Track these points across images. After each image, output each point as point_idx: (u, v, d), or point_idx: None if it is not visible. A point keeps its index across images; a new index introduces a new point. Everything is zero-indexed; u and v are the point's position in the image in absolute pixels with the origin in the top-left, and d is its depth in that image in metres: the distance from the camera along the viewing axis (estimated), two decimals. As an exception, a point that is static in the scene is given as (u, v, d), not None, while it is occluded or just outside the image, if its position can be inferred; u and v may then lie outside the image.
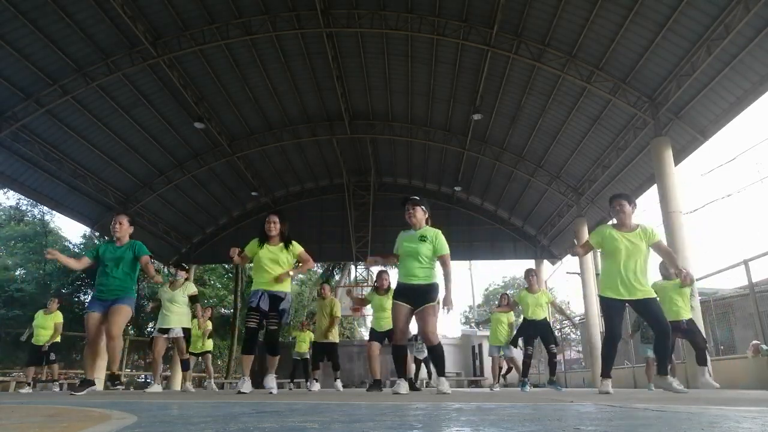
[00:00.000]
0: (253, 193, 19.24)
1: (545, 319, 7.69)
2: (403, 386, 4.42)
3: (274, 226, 5.06)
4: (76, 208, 15.98)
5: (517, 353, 8.96)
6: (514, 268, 64.69)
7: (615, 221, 4.89)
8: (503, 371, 10.84)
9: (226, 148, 16.11)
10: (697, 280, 9.64)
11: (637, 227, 4.70)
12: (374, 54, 13.68)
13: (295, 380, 12.37)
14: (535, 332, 7.65)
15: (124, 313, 4.90)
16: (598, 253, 5.35)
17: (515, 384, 15.45)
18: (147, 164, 15.84)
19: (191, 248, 20.19)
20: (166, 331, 7.26)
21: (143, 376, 21.20)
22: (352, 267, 22.76)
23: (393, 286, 7.21)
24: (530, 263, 20.18)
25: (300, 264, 5.23)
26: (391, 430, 1.31)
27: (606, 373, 4.78)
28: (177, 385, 16.94)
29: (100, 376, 14.22)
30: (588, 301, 15.59)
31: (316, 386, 8.01)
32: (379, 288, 7.23)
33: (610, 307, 4.67)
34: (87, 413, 2.04)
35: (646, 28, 10.15)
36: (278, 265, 4.98)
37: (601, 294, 4.73)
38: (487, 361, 9.93)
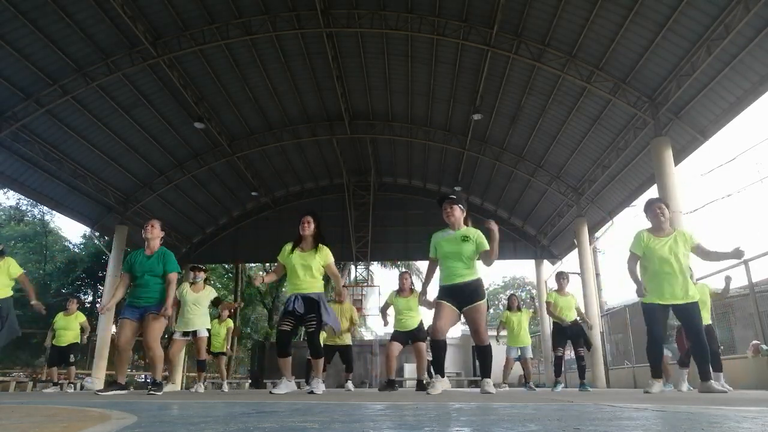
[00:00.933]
0: (253, 193, 19.24)
1: (576, 321, 7.63)
2: (439, 385, 4.28)
3: (308, 226, 5.00)
4: (76, 208, 15.98)
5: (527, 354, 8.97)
6: (514, 268, 64.73)
7: (651, 226, 4.81)
8: (513, 374, 10.81)
9: (226, 148, 16.12)
10: (697, 280, 9.65)
11: (674, 231, 4.73)
12: (374, 54, 13.68)
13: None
14: (570, 335, 7.57)
15: (158, 323, 4.89)
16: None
17: (516, 384, 15.47)
18: (147, 164, 15.84)
19: (191, 248, 20.19)
20: (190, 333, 7.22)
21: (143, 376, 21.19)
22: (352, 267, 22.74)
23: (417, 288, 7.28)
24: (530, 263, 20.19)
25: (335, 287, 5.20)
26: (391, 430, 1.31)
27: (655, 374, 4.77)
28: (178, 385, 16.94)
29: (99, 376, 14.21)
30: (588, 301, 15.57)
31: (321, 387, 8.06)
32: (402, 290, 7.22)
33: (655, 312, 4.63)
34: (87, 413, 2.04)
35: (646, 28, 10.14)
36: (309, 270, 4.90)
37: (646, 301, 4.67)
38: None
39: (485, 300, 4.46)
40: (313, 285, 4.94)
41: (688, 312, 4.58)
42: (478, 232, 4.55)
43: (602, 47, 11.13)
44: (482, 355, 4.45)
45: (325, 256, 4.99)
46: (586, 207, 16.23)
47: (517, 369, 11.24)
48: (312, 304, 4.86)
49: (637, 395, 4.49)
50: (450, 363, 18.79)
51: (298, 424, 1.45)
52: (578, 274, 16.55)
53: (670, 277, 4.57)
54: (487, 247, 4.39)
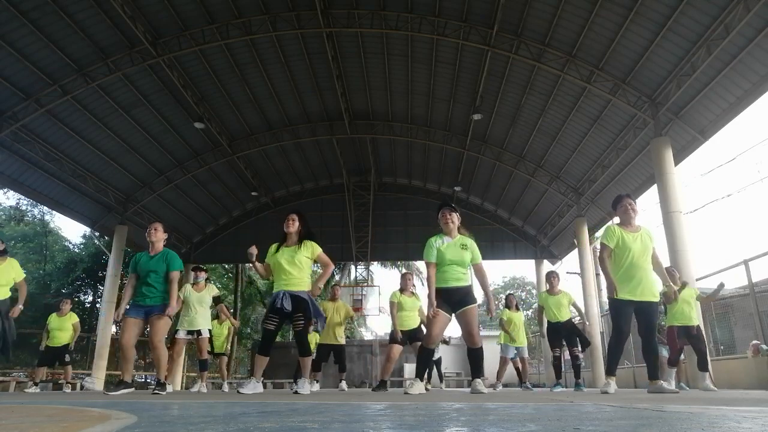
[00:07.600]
0: (253, 193, 19.25)
1: (570, 320, 7.58)
2: (417, 386, 4.47)
3: (293, 224, 5.02)
4: (76, 208, 15.98)
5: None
6: (515, 268, 64.71)
7: (620, 221, 4.86)
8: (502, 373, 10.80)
9: (226, 148, 16.12)
10: (697, 280, 9.66)
11: (640, 228, 4.74)
12: (374, 54, 13.68)
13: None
14: (563, 334, 7.54)
15: (162, 323, 5.03)
16: (594, 252, 5.37)
17: (515, 384, 15.45)
18: (147, 164, 15.84)
19: (191, 248, 20.19)
20: (193, 332, 7.29)
21: (143, 376, 21.20)
22: (352, 267, 22.75)
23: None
24: (530, 263, 20.19)
25: (321, 273, 5.17)
26: (391, 430, 1.31)
27: (611, 371, 4.79)
28: (177, 385, 16.94)
29: (99, 376, 14.15)
30: (588, 301, 15.58)
31: (316, 387, 8.08)
32: (404, 290, 7.32)
33: (625, 308, 4.62)
34: (87, 413, 2.04)
35: (646, 28, 10.14)
36: (295, 265, 4.88)
37: (617, 297, 4.61)
38: (487, 361, 9.96)
39: (476, 304, 4.65)
40: (301, 281, 4.90)
41: (650, 310, 4.59)
42: (472, 241, 4.72)
43: (602, 47, 11.13)
44: (476, 357, 4.55)
45: (311, 248, 5.01)
46: (586, 207, 16.24)
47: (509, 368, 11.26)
48: (300, 302, 4.83)
49: (638, 395, 4.48)
50: (450, 363, 18.77)
51: (298, 424, 1.45)
52: (578, 274, 16.57)
53: (642, 273, 4.56)
54: (480, 260, 4.68)
